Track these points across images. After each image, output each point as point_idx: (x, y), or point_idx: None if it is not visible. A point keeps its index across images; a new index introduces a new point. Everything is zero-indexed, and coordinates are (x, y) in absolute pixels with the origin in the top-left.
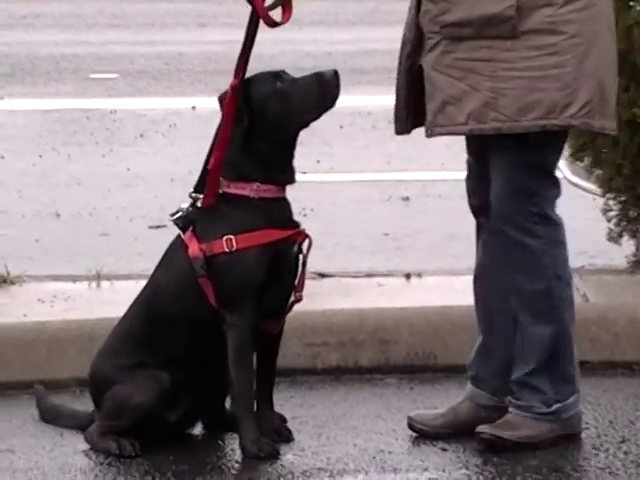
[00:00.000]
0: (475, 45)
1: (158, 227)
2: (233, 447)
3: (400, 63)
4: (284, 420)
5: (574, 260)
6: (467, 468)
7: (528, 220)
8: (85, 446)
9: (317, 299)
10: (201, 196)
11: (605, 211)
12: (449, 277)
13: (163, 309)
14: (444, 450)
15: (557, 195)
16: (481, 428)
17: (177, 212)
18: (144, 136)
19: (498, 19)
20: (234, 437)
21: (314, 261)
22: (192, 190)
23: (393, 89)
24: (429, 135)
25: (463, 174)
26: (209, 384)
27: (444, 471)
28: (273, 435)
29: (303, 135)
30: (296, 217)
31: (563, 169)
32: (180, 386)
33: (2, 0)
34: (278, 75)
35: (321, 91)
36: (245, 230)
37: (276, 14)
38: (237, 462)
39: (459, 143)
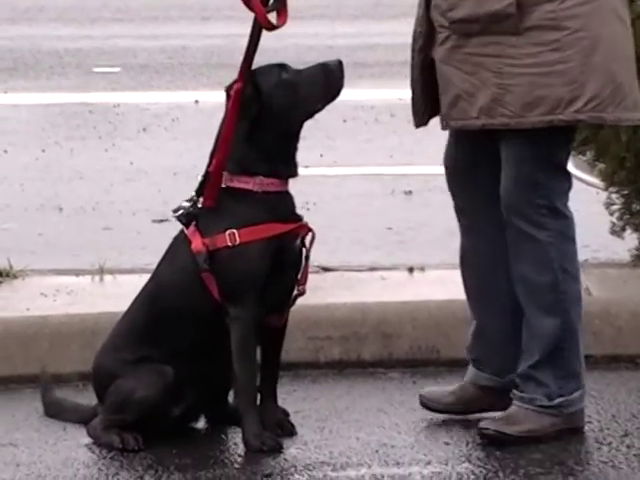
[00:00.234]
0: (483, 41)
1: (161, 221)
2: (236, 441)
3: (412, 58)
4: (287, 414)
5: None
6: (470, 462)
7: (536, 212)
8: (88, 440)
9: (320, 293)
10: (201, 199)
11: (608, 205)
12: (452, 271)
13: (167, 303)
14: (447, 444)
15: (568, 189)
16: (484, 423)
17: (179, 209)
18: (147, 130)
19: (501, 16)
20: (237, 431)
21: (317, 255)
22: (194, 194)
23: (396, 82)
24: (444, 127)
25: None
26: (213, 378)
27: (447, 464)
28: (276, 429)
29: (306, 129)
30: (299, 211)
31: None
32: (184, 380)
33: None
34: (282, 67)
35: (326, 81)
36: (248, 224)
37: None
38: (240, 456)
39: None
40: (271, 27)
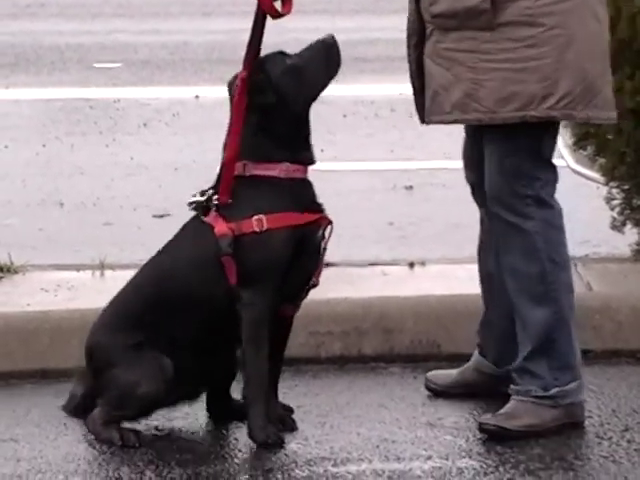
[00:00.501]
0: (460, 36)
1: (162, 216)
2: (237, 436)
3: (409, 54)
4: (291, 410)
5: (578, 249)
6: (470, 457)
7: (521, 202)
8: (89, 435)
9: (321, 288)
10: (216, 196)
11: (608, 199)
12: (453, 265)
13: (178, 284)
14: (447, 439)
15: (554, 180)
16: (484, 418)
17: (193, 202)
18: (147, 125)
19: (476, 11)
20: (238, 426)
21: None
22: (212, 191)
23: (396, 77)
24: (426, 122)
25: None
26: (215, 374)
27: (447, 460)
28: (277, 424)
29: None
30: None
31: (566, 157)
32: (185, 374)
33: None
34: (283, 53)
35: (327, 57)
36: (275, 210)
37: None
38: (241, 451)
39: (462, 132)
40: (276, 14)
